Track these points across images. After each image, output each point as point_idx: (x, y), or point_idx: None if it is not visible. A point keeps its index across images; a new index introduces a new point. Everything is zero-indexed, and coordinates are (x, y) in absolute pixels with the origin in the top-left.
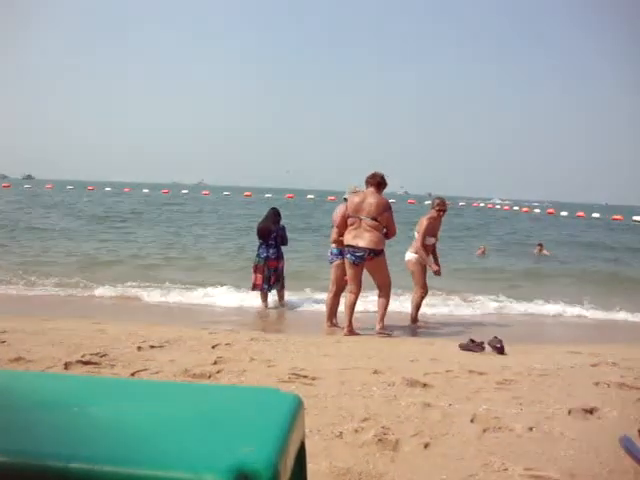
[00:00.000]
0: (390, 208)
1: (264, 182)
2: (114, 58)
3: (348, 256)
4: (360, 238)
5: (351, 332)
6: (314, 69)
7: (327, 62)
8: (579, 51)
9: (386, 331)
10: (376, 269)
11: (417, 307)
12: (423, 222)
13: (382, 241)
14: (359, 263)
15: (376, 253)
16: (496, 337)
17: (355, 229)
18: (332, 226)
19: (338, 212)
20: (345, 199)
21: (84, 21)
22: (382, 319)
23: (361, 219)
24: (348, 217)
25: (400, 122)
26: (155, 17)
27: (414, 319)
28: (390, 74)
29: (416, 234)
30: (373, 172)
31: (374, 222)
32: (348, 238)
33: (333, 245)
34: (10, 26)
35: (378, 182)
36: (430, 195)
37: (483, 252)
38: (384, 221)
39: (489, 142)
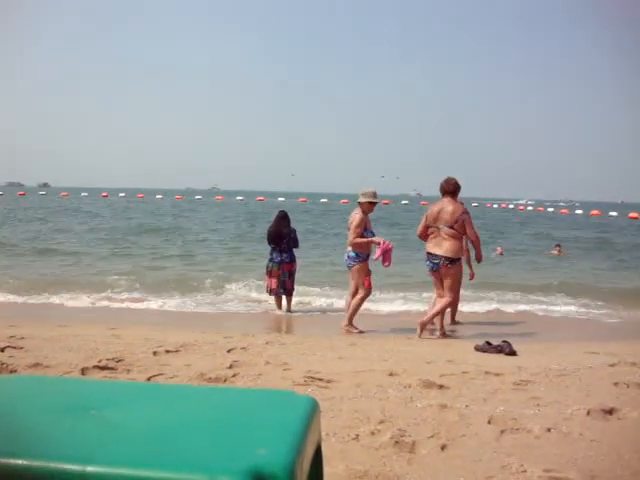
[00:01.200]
0: (466, 213)
1: (273, 186)
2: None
3: (427, 263)
4: (438, 246)
5: (443, 335)
6: (330, 70)
7: (344, 64)
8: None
9: (441, 330)
10: (448, 276)
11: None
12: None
13: (459, 250)
14: (436, 270)
15: (451, 261)
16: (505, 341)
17: (434, 237)
18: (348, 229)
19: (354, 216)
20: (359, 203)
21: (101, 26)
22: (434, 317)
23: (439, 228)
24: (427, 227)
25: (414, 124)
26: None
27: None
28: (404, 74)
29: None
30: (446, 178)
31: (451, 230)
32: (429, 246)
33: (350, 249)
34: (20, 28)
35: (453, 189)
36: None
37: (501, 252)
38: (460, 228)
39: (504, 142)
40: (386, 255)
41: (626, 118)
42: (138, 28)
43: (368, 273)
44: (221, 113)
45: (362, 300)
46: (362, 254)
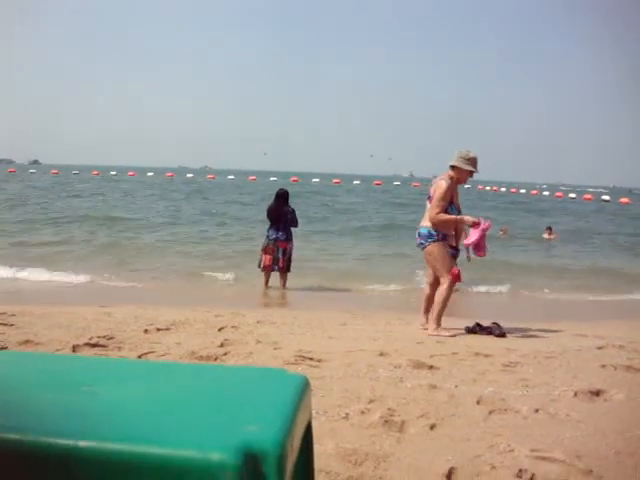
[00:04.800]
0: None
1: (263, 166)
2: (120, 46)
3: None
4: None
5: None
6: (317, 49)
7: (329, 40)
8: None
9: None
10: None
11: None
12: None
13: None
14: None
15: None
16: (495, 323)
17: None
18: (428, 198)
19: (440, 183)
20: (453, 167)
21: (89, 6)
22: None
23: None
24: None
25: (406, 106)
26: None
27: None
28: (399, 48)
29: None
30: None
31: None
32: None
33: (424, 224)
34: (10, 11)
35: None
36: (434, 178)
37: (505, 232)
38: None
39: (502, 125)
40: (482, 241)
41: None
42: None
43: (447, 256)
44: (215, 91)
45: (449, 291)
46: (439, 232)
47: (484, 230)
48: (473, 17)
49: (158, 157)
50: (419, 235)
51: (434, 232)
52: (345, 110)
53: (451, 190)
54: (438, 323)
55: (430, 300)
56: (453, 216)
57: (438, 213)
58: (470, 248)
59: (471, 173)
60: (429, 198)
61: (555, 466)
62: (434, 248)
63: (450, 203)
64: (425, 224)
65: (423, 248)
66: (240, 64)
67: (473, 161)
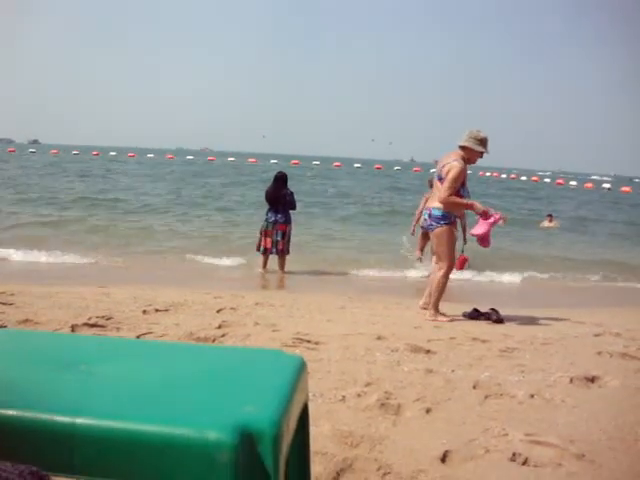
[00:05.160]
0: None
1: (263, 148)
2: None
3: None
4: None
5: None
6: (314, 31)
7: (333, 16)
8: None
9: None
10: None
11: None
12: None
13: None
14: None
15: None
16: (493, 309)
17: None
18: (439, 178)
19: (454, 164)
20: (462, 148)
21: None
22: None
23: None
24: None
25: (405, 88)
26: None
27: None
28: (400, 35)
29: None
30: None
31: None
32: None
33: (435, 205)
34: None
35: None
36: (437, 163)
37: (505, 220)
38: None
39: (503, 110)
40: (488, 234)
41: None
42: None
43: (454, 242)
44: (216, 74)
45: (445, 277)
46: (451, 215)
47: (494, 223)
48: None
49: (158, 139)
50: (430, 216)
51: (447, 214)
52: (347, 94)
53: (463, 171)
54: (436, 309)
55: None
56: (464, 200)
57: (450, 195)
58: (472, 236)
59: (481, 154)
60: (440, 179)
61: (548, 450)
62: (444, 232)
63: (462, 185)
64: (436, 205)
65: (432, 230)
66: (243, 48)
67: (484, 142)
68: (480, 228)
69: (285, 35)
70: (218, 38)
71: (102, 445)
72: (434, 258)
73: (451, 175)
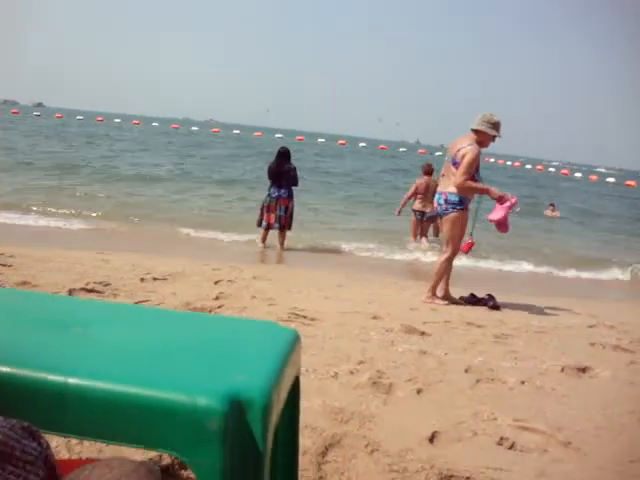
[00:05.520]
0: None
1: (268, 122)
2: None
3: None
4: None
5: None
6: (319, 5)
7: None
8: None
9: None
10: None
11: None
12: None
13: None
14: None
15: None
16: (490, 294)
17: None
18: (454, 163)
19: (469, 149)
20: (476, 131)
21: None
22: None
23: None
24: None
25: (415, 69)
26: None
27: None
28: (411, 18)
29: None
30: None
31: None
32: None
33: (450, 190)
34: None
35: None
36: (442, 147)
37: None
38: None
39: (515, 94)
40: (506, 218)
41: None
42: None
43: (464, 228)
44: (222, 45)
45: (448, 262)
46: (466, 200)
47: (510, 207)
48: None
49: (164, 108)
50: (445, 201)
51: (463, 199)
52: (357, 73)
53: (478, 155)
54: (434, 292)
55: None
56: (480, 185)
57: (466, 179)
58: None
59: (494, 138)
60: (455, 164)
61: (535, 436)
62: (459, 217)
63: (476, 169)
64: (451, 189)
65: (447, 214)
66: (254, 22)
67: (497, 125)
68: (497, 213)
69: (297, 12)
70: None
71: (93, 405)
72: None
73: (467, 159)
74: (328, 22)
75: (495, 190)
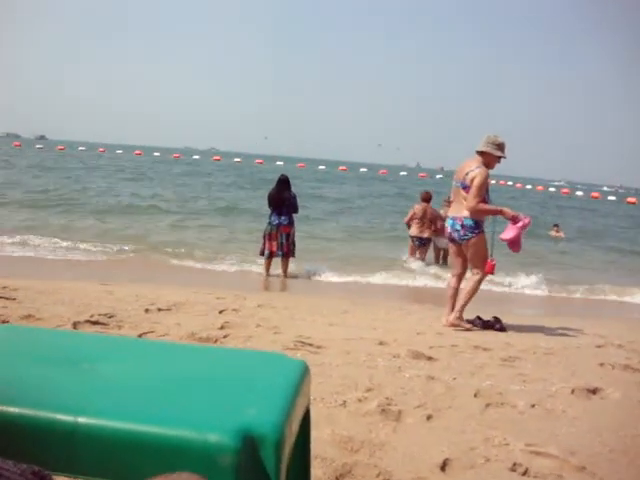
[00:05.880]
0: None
1: (268, 150)
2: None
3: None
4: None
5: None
6: (323, 33)
7: (343, 19)
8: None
9: None
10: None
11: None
12: None
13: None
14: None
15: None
16: (496, 317)
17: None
18: (464, 187)
19: (478, 171)
20: (481, 153)
21: None
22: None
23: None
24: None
25: (416, 93)
26: None
27: None
28: (410, 44)
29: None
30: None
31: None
32: None
33: (464, 214)
34: None
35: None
36: (442, 169)
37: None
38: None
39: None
40: (519, 238)
41: None
42: None
43: (487, 249)
44: (221, 74)
45: (479, 283)
46: (482, 223)
47: (523, 227)
48: (488, 13)
49: (165, 138)
50: (462, 226)
51: (479, 222)
52: (356, 99)
53: (487, 177)
54: (461, 313)
55: (457, 294)
56: (493, 207)
57: (478, 202)
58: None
59: (499, 159)
60: (465, 188)
61: (549, 461)
62: (479, 240)
63: (486, 191)
64: (465, 214)
65: (466, 240)
66: (257, 50)
67: (502, 146)
68: (510, 232)
69: (288, 37)
70: (231, 37)
71: (104, 445)
72: (453, 270)
73: (477, 182)
74: (328, 50)
75: (508, 210)
